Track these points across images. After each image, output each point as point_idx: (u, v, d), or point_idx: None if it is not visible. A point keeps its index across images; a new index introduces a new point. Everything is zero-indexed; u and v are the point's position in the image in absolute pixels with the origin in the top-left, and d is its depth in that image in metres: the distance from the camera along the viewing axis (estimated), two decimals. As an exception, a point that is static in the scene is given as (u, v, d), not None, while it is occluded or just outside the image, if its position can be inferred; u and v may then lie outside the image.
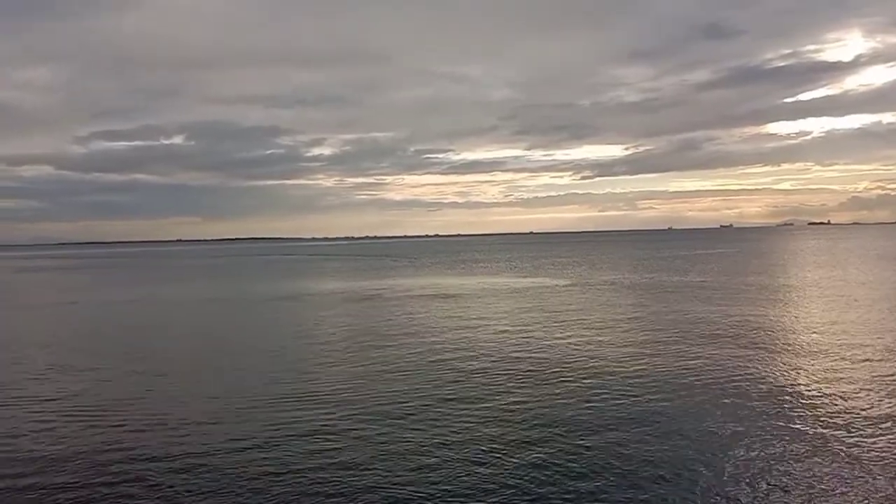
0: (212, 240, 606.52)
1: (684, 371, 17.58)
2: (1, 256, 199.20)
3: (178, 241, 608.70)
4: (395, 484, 10.34)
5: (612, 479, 10.35)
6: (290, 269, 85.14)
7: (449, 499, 9.78)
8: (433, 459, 11.33)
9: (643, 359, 19.36)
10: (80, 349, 24.26)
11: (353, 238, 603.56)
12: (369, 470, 10.92)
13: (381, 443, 12.29)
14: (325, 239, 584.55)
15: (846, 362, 18.18)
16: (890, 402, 14.01)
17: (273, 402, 15.36)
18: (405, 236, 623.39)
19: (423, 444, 12.15)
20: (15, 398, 16.53)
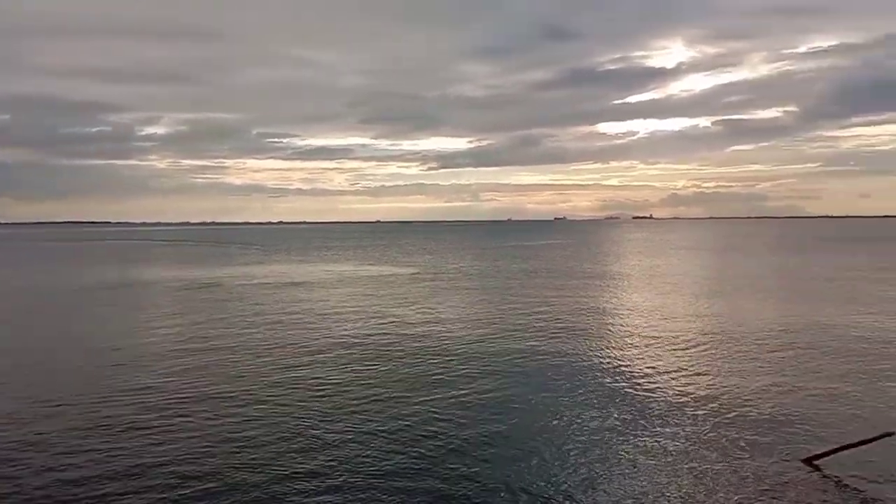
0: (26, 223, 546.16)
1: (516, 354, 18.13)
2: None
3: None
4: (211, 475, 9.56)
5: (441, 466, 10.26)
6: (119, 256, 78.38)
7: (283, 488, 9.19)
8: (266, 450, 10.65)
9: (484, 344, 19.73)
10: None
11: (189, 224, 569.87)
12: (182, 462, 10.03)
13: (201, 435, 11.38)
14: (159, 224, 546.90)
15: (666, 344, 19.64)
16: (707, 382, 15.25)
17: (93, 399, 13.79)
18: (247, 223, 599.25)
19: (251, 434, 11.41)
20: None
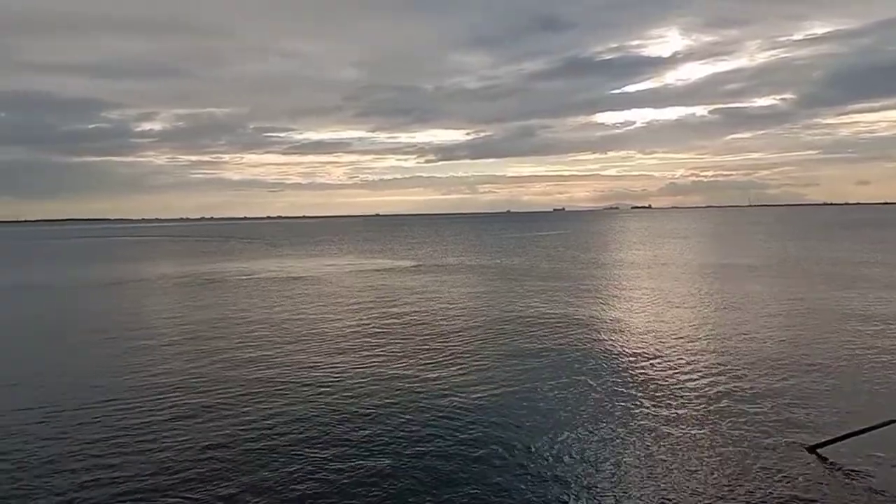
0: (24, 221, 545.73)
1: (521, 344, 18.12)
2: None
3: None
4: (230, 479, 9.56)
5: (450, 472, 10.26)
6: (122, 253, 78.34)
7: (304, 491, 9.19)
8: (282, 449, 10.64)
9: (493, 334, 19.72)
10: None
11: (188, 219, 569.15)
12: (190, 464, 10.03)
13: (202, 434, 11.37)
14: (158, 220, 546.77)
15: (672, 331, 19.63)
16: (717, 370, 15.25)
17: (100, 399, 13.78)
18: (246, 218, 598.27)
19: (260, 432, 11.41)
20: None
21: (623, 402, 12.89)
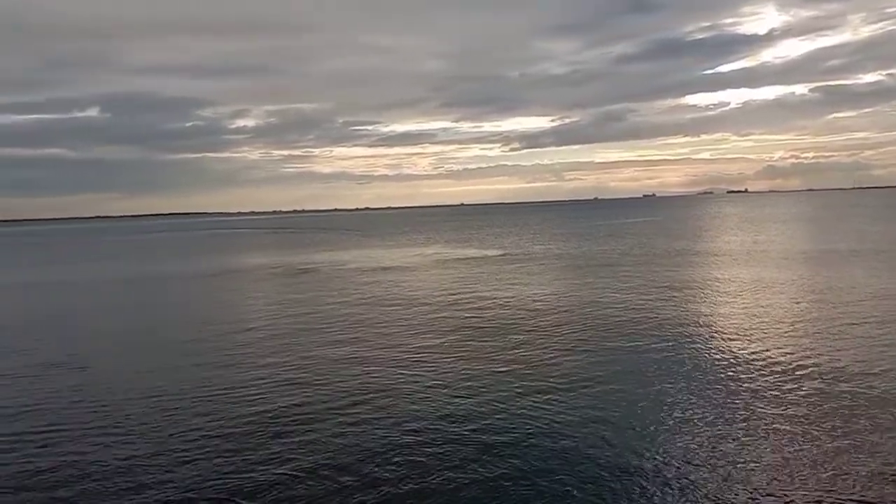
0: (132, 216, 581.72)
1: (615, 336, 17.82)
2: None
3: (96, 217, 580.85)
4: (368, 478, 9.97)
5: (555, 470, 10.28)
6: (227, 244, 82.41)
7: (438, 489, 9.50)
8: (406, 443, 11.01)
9: (590, 331, 19.52)
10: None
11: (281, 212, 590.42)
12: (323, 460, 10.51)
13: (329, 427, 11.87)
14: (252, 213, 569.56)
15: (781, 323, 18.83)
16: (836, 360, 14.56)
17: (220, 388, 14.66)
18: (335, 210, 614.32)
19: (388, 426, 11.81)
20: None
21: (734, 400, 12.49)
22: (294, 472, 9.53)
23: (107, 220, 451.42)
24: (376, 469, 9.58)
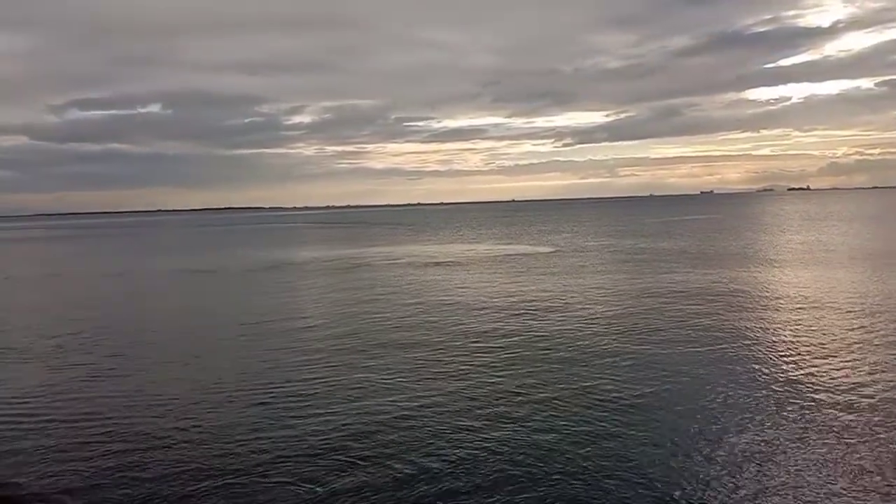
0: (192, 209, 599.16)
1: (667, 337, 17.59)
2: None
3: (158, 211, 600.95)
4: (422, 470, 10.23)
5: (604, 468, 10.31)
6: (284, 238, 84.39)
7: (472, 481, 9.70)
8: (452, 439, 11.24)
9: (637, 332, 19.33)
10: (64, 324, 23.71)
11: (334, 207, 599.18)
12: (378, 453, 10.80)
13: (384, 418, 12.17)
14: (307, 208, 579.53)
15: (846, 330, 18.29)
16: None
17: (275, 376, 15.18)
18: (387, 205, 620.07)
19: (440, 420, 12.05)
20: None
21: (797, 403, 12.29)
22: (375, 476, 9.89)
23: (168, 214, 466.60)
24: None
